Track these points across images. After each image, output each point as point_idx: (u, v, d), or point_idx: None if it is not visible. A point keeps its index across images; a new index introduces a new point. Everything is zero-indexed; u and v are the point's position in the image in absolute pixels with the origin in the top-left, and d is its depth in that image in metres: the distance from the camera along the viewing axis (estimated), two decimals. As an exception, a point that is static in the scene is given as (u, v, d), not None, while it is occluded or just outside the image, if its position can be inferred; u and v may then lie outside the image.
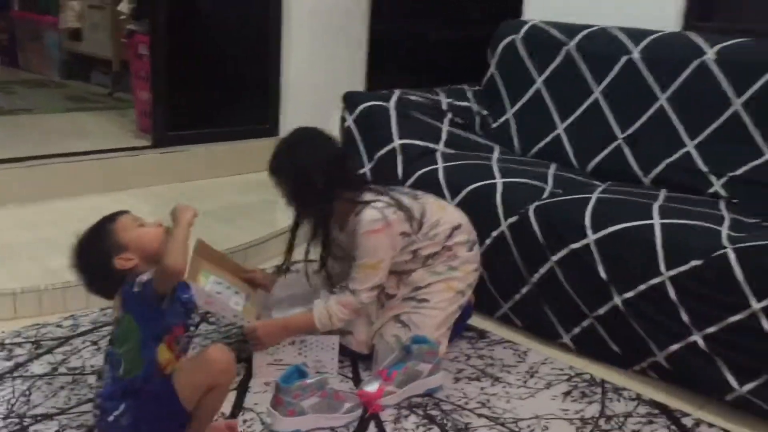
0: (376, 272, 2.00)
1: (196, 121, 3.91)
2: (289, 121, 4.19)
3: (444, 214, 2.14)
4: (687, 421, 1.96)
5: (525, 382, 2.12)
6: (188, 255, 1.65)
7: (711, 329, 1.97)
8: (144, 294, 1.58)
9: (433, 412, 1.93)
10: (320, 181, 1.96)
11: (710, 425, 1.95)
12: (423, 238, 2.08)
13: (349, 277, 2.03)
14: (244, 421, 1.83)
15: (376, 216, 1.97)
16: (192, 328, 2.19)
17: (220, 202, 3.36)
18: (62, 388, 1.93)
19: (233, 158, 3.89)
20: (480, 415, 1.93)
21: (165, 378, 1.59)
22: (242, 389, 1.98)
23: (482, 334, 2.40)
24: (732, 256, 1.94)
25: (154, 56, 3.68)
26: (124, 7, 4.38)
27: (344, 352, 2.14)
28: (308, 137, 2.03)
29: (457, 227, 2.14)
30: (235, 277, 2.14)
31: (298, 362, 2.00)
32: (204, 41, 3.89)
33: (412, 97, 2.96)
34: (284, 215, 3.20)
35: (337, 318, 2.02)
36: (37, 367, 2.03)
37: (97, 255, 1.65)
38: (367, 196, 2.03)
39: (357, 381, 2.07)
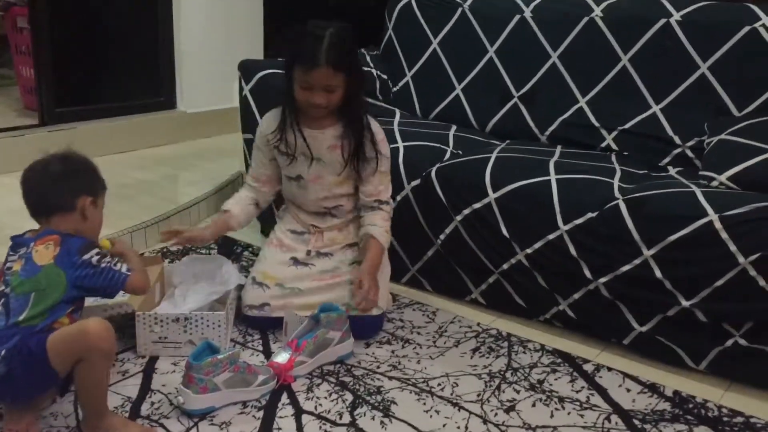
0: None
1: (85, 97, 3.72)
2: (186, 92, 4.05)
3: None
4: (588, 367, 2.05)
5: (434, 341, 2.16)
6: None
7: (608, 278, 2.06)
8: (98, 273, 1.61)
9: (346, 379, 1.94)
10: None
11: (609, 369, 2.05)
12: None
13: (375, 191, 2.09)
14: (152, 404, 1.79)
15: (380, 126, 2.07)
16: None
17: (118, 179, 3.22)
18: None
19: (129, 134, 3.74)
20: (391, 378, 1.95)
21: (41, 336, 1.52)
22: (148, 371, 1.93)
23: (392, 298, 2.43)
24: (623, 207, 2.02)
25: (35, 29, 3.46)
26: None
27: (253, 325, 2.12)
28: None
29: None
30: None
31: (183, 340, 1.97)
32: (89, 10, 3.69)
33: (311, 63, 2.90)
34: (185, 190, 3.13)
35: (389, 233, 2.09)
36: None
37: (79, 174, 1.70)
38: None
39: (267, 354, 2.06)
